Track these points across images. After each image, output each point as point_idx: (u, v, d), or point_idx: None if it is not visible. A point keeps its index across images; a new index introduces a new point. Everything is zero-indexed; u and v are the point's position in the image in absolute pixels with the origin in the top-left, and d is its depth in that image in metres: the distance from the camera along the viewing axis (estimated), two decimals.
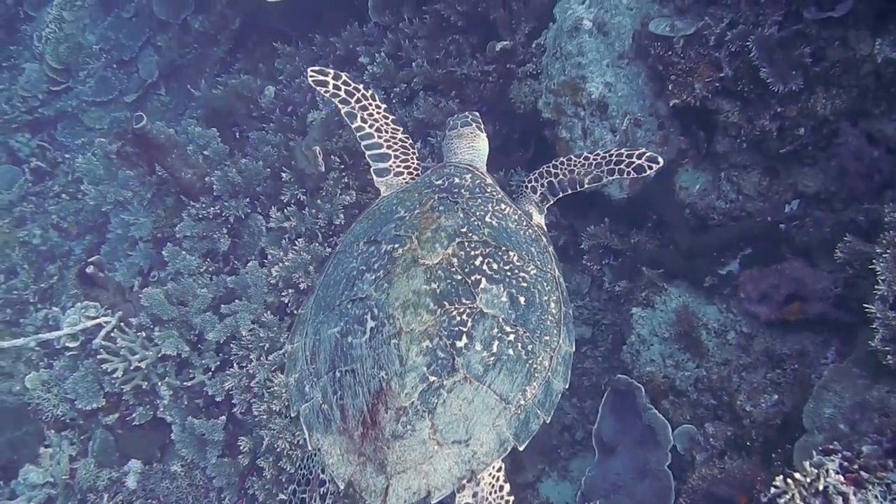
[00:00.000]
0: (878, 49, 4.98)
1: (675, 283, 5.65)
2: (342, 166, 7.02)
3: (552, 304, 3.54)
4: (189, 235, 7.26)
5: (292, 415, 3.60)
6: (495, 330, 3.29)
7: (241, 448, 6.21)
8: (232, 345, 6.52)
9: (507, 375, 3.27)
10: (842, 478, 3.52)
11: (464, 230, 3.51)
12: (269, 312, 6.50)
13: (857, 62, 5.04)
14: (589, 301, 6.27)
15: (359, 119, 4.60)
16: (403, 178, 4.38)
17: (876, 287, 4.12)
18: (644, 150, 4.05)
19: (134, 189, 7.83)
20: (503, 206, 3.78)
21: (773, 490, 3.63)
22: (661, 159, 4.00)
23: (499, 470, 3.42)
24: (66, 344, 7.00)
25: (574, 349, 3.67)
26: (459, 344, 3.20)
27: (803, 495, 3.52)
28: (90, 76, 11.01)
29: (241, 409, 6.33)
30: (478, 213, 3.63)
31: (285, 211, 6.99)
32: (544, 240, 3.87)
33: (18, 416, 7.20)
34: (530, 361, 3.35)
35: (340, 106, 4.67)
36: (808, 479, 3.54)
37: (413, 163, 4.50)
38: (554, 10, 6.31)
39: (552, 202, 4.25)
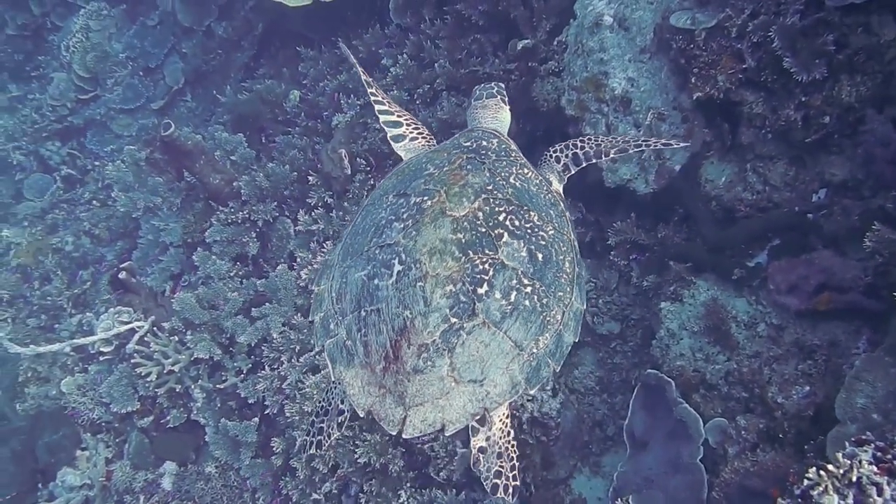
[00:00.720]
0: None
1: (703, 276, 5.63)
2: (368, 168, 7.07)
3: (567, 264, 3.69)
4: (218, 240, 7.35)
5: (316, 350, 3.68)
6: (514, 281, 3.43)
7: (275, 449, 6.28)
8: (263, 347, 6.59)
9: (523, 324, 3.42)
10: (875, 468, 3.50)
11: (489, 188, 3.66)
12: (298, 315, 6.57)
13: (881, 48, 4.98)
14: (617, 297, 6.27)
15: (374, 89, 4.86)
16: (419, 143, 4.56)
17: None
18: (662, 140, 4.23)
19: (163, 195, 7.93)
20: (526, 171, 3.94)
21: (806, 482, 3.62)
22: (682, 143, 4.30)
23: (507, 416, 3.66)
24: (101, 349, 7.12)
25: (585, 307, 3.81)
26: (480, 291, 3.35)
27: (836, 486, 3.51)
28: (117, 84, 11.16)
29: (274, 410, 6.40)
30: (503, 174, 3.80)
31: (313, 214, 7.06)
32: (562, 205, 4.00)
33: (55, 419, 7.32)
34: (544, 314, 3.50)
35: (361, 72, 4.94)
36: (842, 471, 3.52)
37: (425, 131, 4.67)
38: (574, 6, 6.31)
39: (573, 172, 4.34)
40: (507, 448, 3.64)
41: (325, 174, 7.05)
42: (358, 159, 7.09)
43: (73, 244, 9.35)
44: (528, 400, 5.72)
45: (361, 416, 3.43)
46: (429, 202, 3.59)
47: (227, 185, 7.53)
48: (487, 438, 3.58)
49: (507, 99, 4.69)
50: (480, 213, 3.54)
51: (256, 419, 6.54)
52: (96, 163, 10.78)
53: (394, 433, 3.33)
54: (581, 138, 4.33)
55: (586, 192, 6.35)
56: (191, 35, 11.06)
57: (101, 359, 7.29)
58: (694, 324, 5.47)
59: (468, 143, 4.04)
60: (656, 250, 5.97)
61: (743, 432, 5.02)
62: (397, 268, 3.43)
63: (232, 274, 7.21)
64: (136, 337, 6.92)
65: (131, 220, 8.73)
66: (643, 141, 4.25)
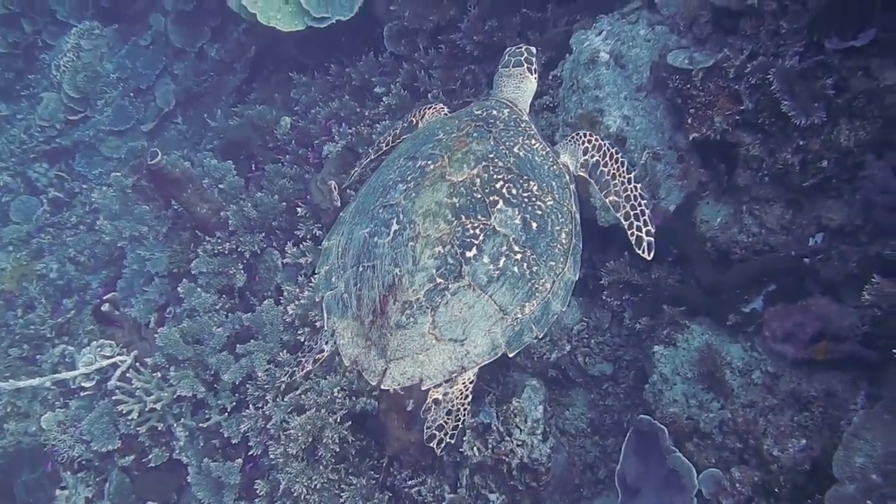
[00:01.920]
0: None
1: (697, 320, 5.50)
2: None
3: (563, 235, 3.80)
4: (204, 272, 7.21)
5: (317, 300, 4.02)
6: (504, 248, 3.58)
7: (258, 492, 6.12)
8: (248, 385, 6.45)
9: (509, 289, 3.56)
10: None
11: (491, 156, 3.80)
12: (285, 351, 6.43)
13: (881, 92, 4.88)
14: (610, 337, 6.13)
15: (373, 154, 5.06)
16: (432, 112, 4.79)
17: None
18: (653, 231, 4.20)
19: (150, 224, 7.80)
20: (533, 142, 4.04)
21: None
22: (651, 255, 4.21)
23: (471, 381, 3.76)
24: (82, 384, 6.96)
25: (578, 278, 3.90)
26: (469, 254, 3.52)
27: None
28: (107, 105, 11.08)
29: (258, 451, 6.25)
30: (507, 144, 3.91)
31: (301, 246, 6.94)
32: (567, 177, 4.08)
33: (34, 458, 7.16)
34: (533, 281, 3.63)
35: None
36: None
37: (436, 106, 4.85)
38: (570, 41, 6.22)
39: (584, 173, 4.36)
40: (458, 409, 3.72)
41: (314, 206, 6.93)
42: (348, 191, 6.97)
43: (57, 271, 9.21)
44: (519, 445, 5.58)
45: (347, 364, 3.63)
46: (431, 166, 3.76)
47: (214, 214, 7.41)
48: (445, 394, 3.70)
49: (534, 67, 4.70)
50: (478, 180, 3.68)
51: (240, 460, 6.39)
52: (84, 186, 10.65)
53: (374, 384, 3.53)
54: (612, 154, 4.29)
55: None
56: (183, 56, 10.98)
57: (82, 394, 7.13)
58: (688, 369, 5.34)
59: (479, 112, 4.17)
60: (650, 291, 5.84)
61: (738, 485, 4.88)
62: (395, 227, 3.63)
63: (217, 307, 7.07)
64: (118, 372, 6.77)
65: (117, 247, 8.59)
66: (629, 217, 4.23)
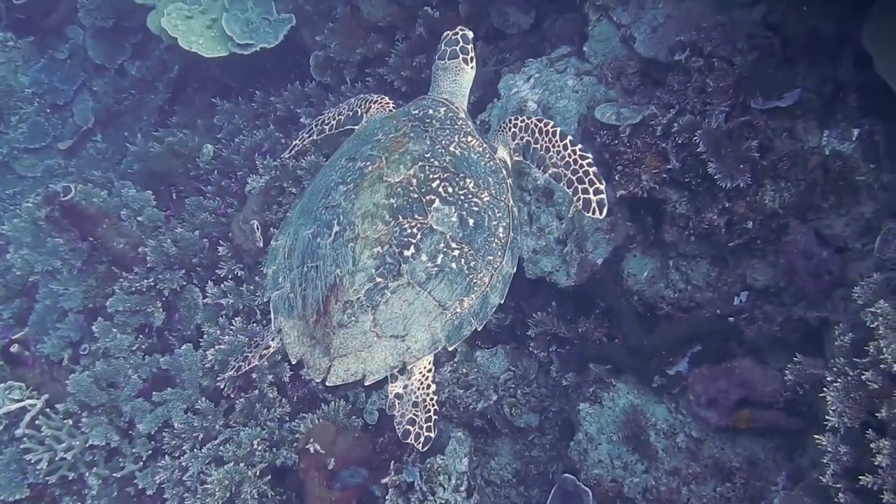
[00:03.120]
0: (825, 141, 4.93)
1: (623, 377, 5.47)
2: None
3: (500, 230, 3.88)
4: (121, 310, 6.94)
5: (263, 300, 4.14)
6: (441, 245, 3.68)
7: None
8: (165, 433, 6.21)
9: (448, 285, 3.67)
10: None
11: (427, 156, 3.87)
12: (204, 399, 6.22)
13: (805, 154, 4.93)
14: (536, 387, 6.06)
15: (316, 134, 5.05)
16: (374, 109, 4.74)
17: (826, 417, 3.96)
18: (602, 189, 3.96)
19: (63, 257, 7.46)
20: (469, 139, 4.07)
21: None
22: (605, 211, 3.94)
23: (429, 370, 3.91)
24: None
25: (515, 271, 3.96)
26: (407, 253, 3.62)
27: None
28: (22, 121, 10.59)
29: (174, 503, 6.03)
30: (443, 143, 3.96)
31: (222, 286, 6.73)
32: (504, 172, 4.12)
33: None
34: (471, 276, 3.73)
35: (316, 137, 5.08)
36: None
37: (374, 97, 4.82)
38: (499, 85, 6.15)
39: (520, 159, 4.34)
40: (424, 399, 3.86)
41: (236, 245, 6.72)
42: (271, 229, 6.78)
43: None
44: None
45: (293, 362, 3.79)
46: (370, 167, 3.86)
47: (132, 249, 7.14)
48: (405, 387, 3.85)
49: (470, 56, 4.59)
50: (415, 180, 3.77)
51: None
52: None
53: (319, 381, 3.67)
54: (542, 128, 4.18)
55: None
56: (102, 73, 10.59)
57: None
58: (613, 430, 5.30)
59: (416, 112, 4.21)
60: (576, 344, 5.79)
61: None
62: (335, 228, 3.74)
63: (134, 348, 6.80)
64: (28, 418, 6.46)
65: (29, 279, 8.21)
66: (574, 183, 4.00)
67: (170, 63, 9.81)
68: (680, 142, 5.11)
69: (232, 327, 6.43)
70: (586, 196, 3.96)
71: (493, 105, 6.21)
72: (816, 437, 4.00)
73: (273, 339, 4.13)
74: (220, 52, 8.00)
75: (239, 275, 6.75)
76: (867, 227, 4.79)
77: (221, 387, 6.16)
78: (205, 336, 6.57)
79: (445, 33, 4.64)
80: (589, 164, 4.01)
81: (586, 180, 3.98)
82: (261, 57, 8.05)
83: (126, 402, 6.34)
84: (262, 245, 6.62)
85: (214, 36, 8.06)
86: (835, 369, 4.05)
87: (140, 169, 8.51)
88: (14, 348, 6.75)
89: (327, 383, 3.65)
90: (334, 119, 4.91)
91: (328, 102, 7.49)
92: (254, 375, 6.21)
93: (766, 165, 4.94)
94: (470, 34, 4.62)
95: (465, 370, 6.05)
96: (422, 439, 3.82)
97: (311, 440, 5.59)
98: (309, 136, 5.06)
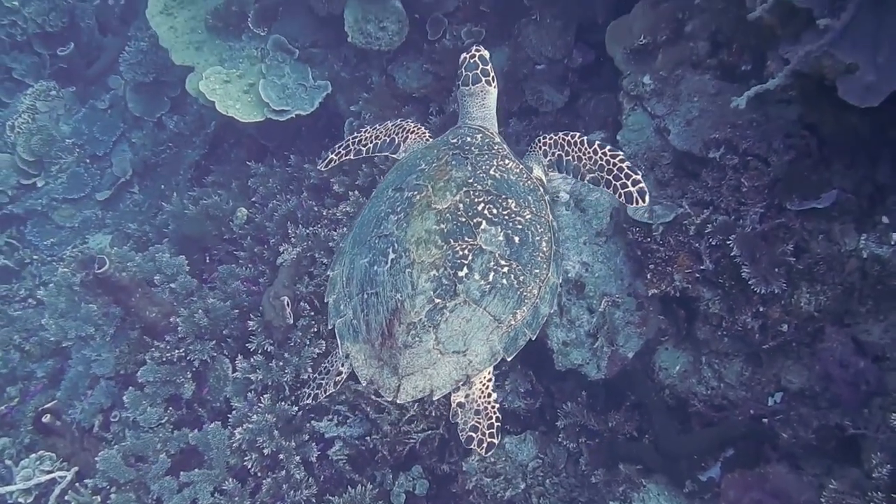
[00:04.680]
0: (863, 244, 4.83)
1: (653, 477, 5.38)
2: (312, 312, 6.77)
3: (543, 244, 4.08)
4: (151, 381, 6.95)
5: (328, 328, 4.27)
6: (492, 263, 3.88)
7: None
8: None
9: (501, 300, 3.86)
10: None
11: (470, 181, 4.09)
12: (231, 479, 6.22)
13: (842, 258, 4.84)
14: (565, 477, 5.98)
15: (353, 153, 5.12)
16: (412, 140, 4.92)
17: None
18: (640, 179, 4.17)
19: (97, 323, 7.53)
20: (507, 162, 4.29)
21: None
22: (647, 198, 4.15)
23: (489, 380, 4.06)
24: (19, 500, 6.68)
25: (561, 281, 4.32)
26: (461, 273, 3.83)
27: None
28: (62, 171, 10.73)
29: None
30: (484, 167, 4.18)
31: (252, 360, 6.73)
32: (541, 190, 4.34)
33: None
34: (521, 290, 3.92)
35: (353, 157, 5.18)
36: None
37: (410, 125, 4.99)
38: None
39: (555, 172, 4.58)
40: (486, 407, 4.00)
41: (266, 322, 6.73)
42: (301, 303, 6.78)
43: (1, 359, 8.84)
44: None
45: (364, 384, 3.97)
46: (417, 196, 4.06)
47: (164, 318, 7.18)
48: (466, 396, 3.99)
49: (491, 76, 4.74)
50: (461, 205, 3.98)
51: None
52: (35, 256, 10.33)
53: (390, 399, 3.86)
54: (570, 140, 4.43)
55: (536, 362, 6.09)
56: (141, 125, 10.72)
57: None
58: None
59: (455, 140, 4.44)
60: (606, 437, 5.70)
61: None
62: (391, 256, 3.94)
63: (164, 421, 6.82)
64: (57, 491, 6.51)
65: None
66: (612, 182, 4.22)
67: (207, 118, 9.89)
68: (714, 243, 5.05)
69: (260, 405, 6.43)
70: (626, 190, 4.17)
71: None
72: None
73: (343, 366, 4.23)
74: (256, 117, 8.04)
75: (269, 350, 6.75)
76: None
77: (248, 466, 6.17)
78: (233, 412, 6.58)
79: (463, 56, 4.78)
80: (621, 161, 4.24)
81: (622, 175, 4.20)
82: (296, 120, 8.08)
83: (154, 480, 6.35)
84: (291, 321, 6.62)
85: (251, 101, 8.11)
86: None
87: (174, 231, 8.57)
88: (46, 418, 6.80)
89: (398, 400, 3.85)
90: (371, 142, 5.05)
91: (361, 174, 7.48)
92: (280, 456, 6.20)
93: (802, 269, 4.85)
94: (486, 53, 4.76)
95: (492, 458, 5.98)
96: (485, 444, 3.94)
97: None
98: (346, 154, 5.14)
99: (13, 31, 11.57)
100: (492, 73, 4.73)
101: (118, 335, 7.57)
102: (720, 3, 5.22)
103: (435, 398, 3.89)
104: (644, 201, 4.14)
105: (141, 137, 10.60)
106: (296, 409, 6.46)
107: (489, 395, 4.05)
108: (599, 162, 4.30)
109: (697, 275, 5.15)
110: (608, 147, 4.31)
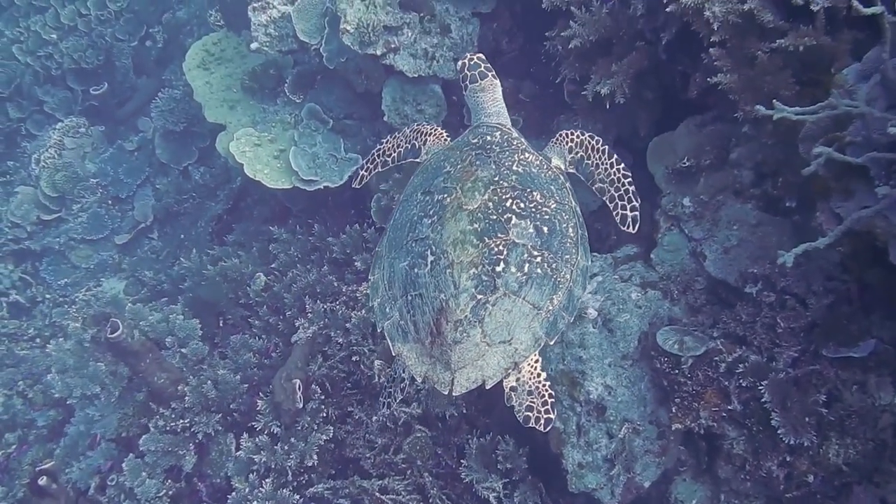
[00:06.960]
0: None
1: None
2: (322, 396, 6.63)
3: (570, 230, 4.27)
4: (153, 450, 6.81)
5: (378, 330, 4.47)
6: (525, 255, 4.06)
7: None
8: None
9: (538, 288, 4.05)
10: None
11: (496, 179, 4.27)
12: None
13: (876, 412, 4.69)
14: None
15: (380, 166, 5.28)
16: (431, 141, 5.04)
17: None
18: (637, 206, 4.57)
19: (103, 382, 7.41)
20: (527, 155, 4.51)
21: None
22: (637, 226, 4.58)
23: (536, 361, 4.24)
24: None
25: (590, 263, 4.43)
26: (498, 269, 4.01)
27: None
28: (83, 210, 10.68)
29: None
30: (506, 164, 4.37)
31: (257, 440, 6.58)
32: (562, 178, 4.57)
33: None
34: (555, 276, 4.11)
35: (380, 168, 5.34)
36: None
37: (428, 129, 5.11)
38: None
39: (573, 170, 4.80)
40: (537, 386, 4.18)
41: (276, 403, 6.59)
42: (313, 385, 6.65)
43: (2, 405, 8.72)
44: None
45: (419, 381, 4.16)
46: (448, 199, 4.24)
47: (172, 385, 7.05)
48: (517, 380, 4.15)
49: (493, 72, 4.88)
50: (490, 203, 4.16)
51: None
52: (48, 295, 10.25)
53: (446, 392, 4.03)
54: (595, 146, 4.68)
55: (549, 478, 5.92)
56: (167, 171, 10.68)
57: None
58: None
59: (475, 141, 4.62)
60: None
61: None
62: (430, 258, 4.11)
63: (161, 494, 6.66)
64: None
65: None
66: (616, 199, 4.60)
67: (233, 173, 9.85)
68: (744, 384, 4.91)
69: (262, 490, 6.27)
70: (624, 212, 4.57)
71: None
72: None
73: (404, 371, 4.37)
74: (283, 184, 7.95)
75: (275, 431, 6.60)
76: None
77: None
78: (233, 493, 6.42)
79: (461, 62, 4.91)
80: (629, 183, 4.58)
81: (626, 198, 4.56)
82: (324, 190, 8.00)
83: None
84: (301, 406, 6.48)
85: (280, 167, 8.03)
86: None
87: (190, 289, 8.47)
88: (42, 480, 6.65)
89: (454, 393, 4.01)
90: (394, 151, 5.19)
91: None
92: None
93: (834, 420, 4.70)
94: (481, 53, 4.93)
95: None
96: (542, 421, 4.11)
97: None
98: (374, 168, 5.28)
99: (49, 63, 11.68)
100: (490, 68, 4.87)
101: (124, 396, 7.45)
102: (769, 139, 5.11)
103: (488, 387, 4.02)
104: (633, 229, 4.55)
105: (165, 184, 10.56)
106: (297, 497, 6.25)
107: (539, 376, 4.21)
108: (612, 177, 4.61)
109: (724, 413, 4.99)
110: (623, 165, 4.61)
